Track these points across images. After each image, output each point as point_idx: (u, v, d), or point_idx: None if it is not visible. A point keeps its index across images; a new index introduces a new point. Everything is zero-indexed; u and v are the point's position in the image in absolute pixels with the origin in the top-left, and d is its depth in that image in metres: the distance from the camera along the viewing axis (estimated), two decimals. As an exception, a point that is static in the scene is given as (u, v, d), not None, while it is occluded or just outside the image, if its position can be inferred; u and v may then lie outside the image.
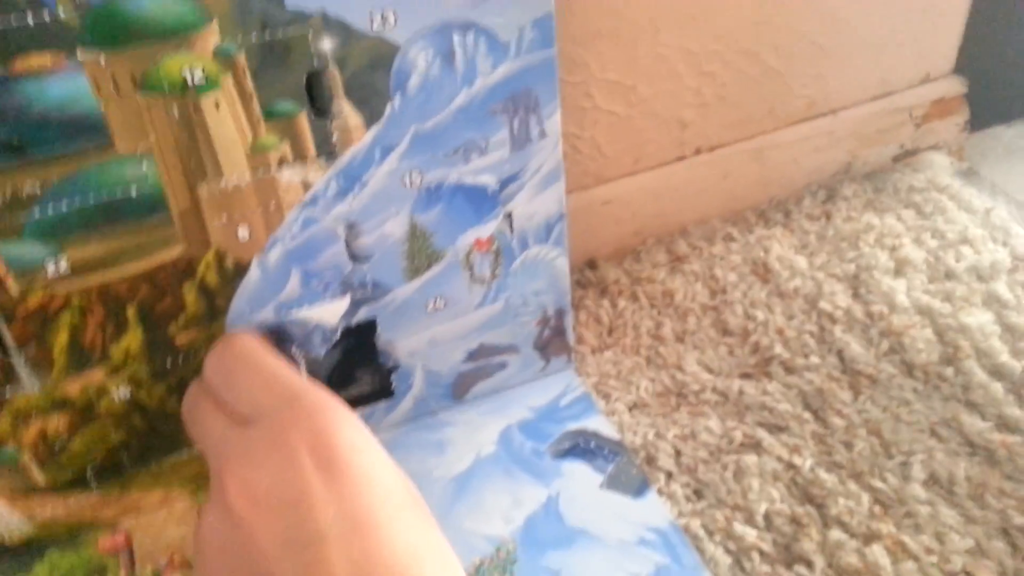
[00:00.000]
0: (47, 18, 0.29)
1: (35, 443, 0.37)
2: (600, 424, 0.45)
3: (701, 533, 0.40)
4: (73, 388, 0.36)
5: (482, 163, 0.38)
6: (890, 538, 0.39)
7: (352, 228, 0.37)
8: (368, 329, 0.41)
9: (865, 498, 0.41)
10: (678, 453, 0.44)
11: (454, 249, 0.41)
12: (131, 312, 0.35)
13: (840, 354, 0.49)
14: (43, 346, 0.35)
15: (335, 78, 0.33)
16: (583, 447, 0.44)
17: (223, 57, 0.32)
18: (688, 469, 0.43)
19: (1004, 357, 0.47)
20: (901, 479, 0.42)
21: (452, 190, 0.39)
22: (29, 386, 0.36)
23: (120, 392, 0.37)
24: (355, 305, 0.40)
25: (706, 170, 0.56)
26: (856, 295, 0.52)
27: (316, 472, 0.28)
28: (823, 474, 0.42)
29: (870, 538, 0.39)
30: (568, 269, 0.44)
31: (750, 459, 0.43)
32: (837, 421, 0.45)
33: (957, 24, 0.59)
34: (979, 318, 0.49)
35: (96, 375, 0.36)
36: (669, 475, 0.43)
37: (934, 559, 0.38)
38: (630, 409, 0.47)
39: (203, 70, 0.31)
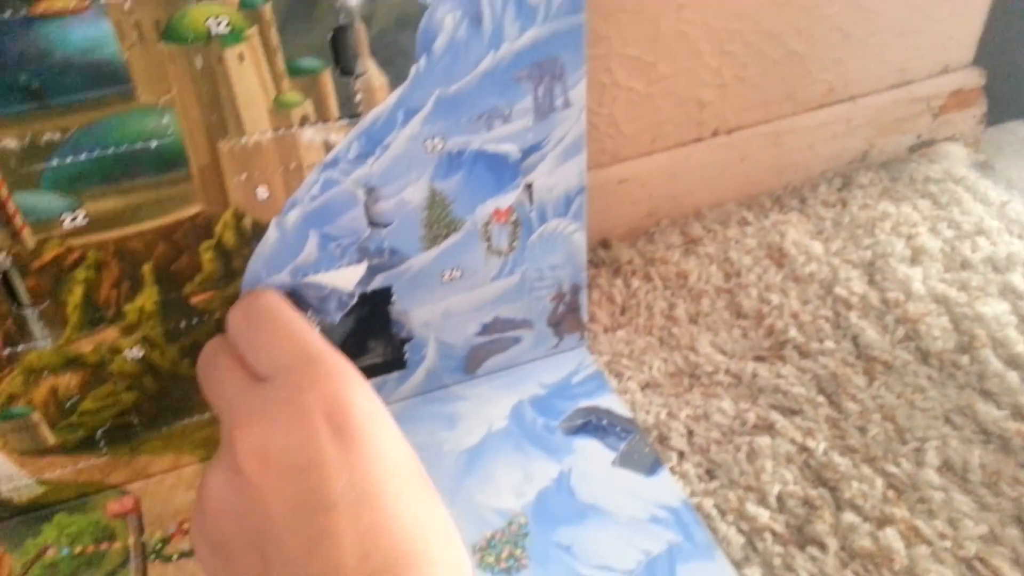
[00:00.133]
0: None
1: (46, 401, 0.37)
2: (612, 402, 0.45)
3: (713, 513, 0.40)
4: (86, 346, 0.36)
5: (505, 131, 0.38)
6: (904, 522, 0.39)
7: (372, 192, 0.37)
8: (383, 297, 0.40)
9: (879, 482, 0.41)
10: (691, 433, 0.44)
11: (473, 219, 0.40)
12: (147, 270, 0.35)
13: (855, 340, 0.48)
14: (57, 301, 0.34)
15: (361, 35, 0.33)
16: (595, 424, 0.44)
17: (249, 8, 0.31)
18: (701, 449, 0.43)
19: (1020, 347, 0.46)
20: (915, 465, 0.42)
21: (474, 157, 0.38)
22: (42, 342, 0.35)
23: (133, 352, 0.37)
24: (371, 272, 0.39)
25: (723, 152, 0.56)
26: (872, 282, 0.52)
27: (331, 438, 0.28)
28: (837, 457, 0.42)
29: (883, 522, 0.39)
30: (585, 245, 0.44)
31: (763, 441, 0.43)
32: (851, 406, 0.44)
33: (978, 16, 0.59)
34: (995, 308, 0.49)
35: (110, 334, 0.36)
36: (681, 455, 0.43)
37: (947, 544, 0.38)
38: (642, 388, 0.47)
39: (228, 20, 0.31)
